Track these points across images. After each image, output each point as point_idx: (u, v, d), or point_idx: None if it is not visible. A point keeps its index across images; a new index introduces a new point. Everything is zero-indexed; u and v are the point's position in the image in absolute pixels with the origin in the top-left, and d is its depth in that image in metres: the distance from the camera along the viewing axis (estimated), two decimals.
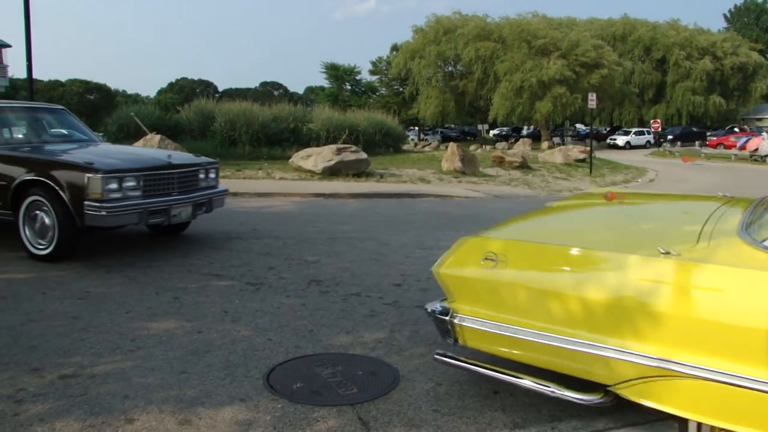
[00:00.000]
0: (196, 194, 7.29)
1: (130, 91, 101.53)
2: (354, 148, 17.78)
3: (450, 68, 52.26)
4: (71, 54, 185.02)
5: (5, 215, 6.87)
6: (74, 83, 79.73)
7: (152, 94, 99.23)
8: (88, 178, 6.28)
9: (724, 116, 57.28)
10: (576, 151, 25.27)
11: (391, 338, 4.45)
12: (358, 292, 5.55)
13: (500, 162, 20.41)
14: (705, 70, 51.54)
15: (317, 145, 20.73)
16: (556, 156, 24.33)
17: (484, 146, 43.67)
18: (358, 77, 65.96)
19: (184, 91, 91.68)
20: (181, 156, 8.27)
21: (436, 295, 5.44)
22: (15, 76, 54.97)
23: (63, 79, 79.86)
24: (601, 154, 30.77)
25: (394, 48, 59.93)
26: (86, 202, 6.27)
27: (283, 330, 4.60)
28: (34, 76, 16.18)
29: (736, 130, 51.84)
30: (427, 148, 40.44)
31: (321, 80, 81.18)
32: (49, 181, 6.44)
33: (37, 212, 6.62)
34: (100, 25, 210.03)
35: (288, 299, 5.38)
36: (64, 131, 8.60)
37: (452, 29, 48.39)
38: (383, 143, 27.17)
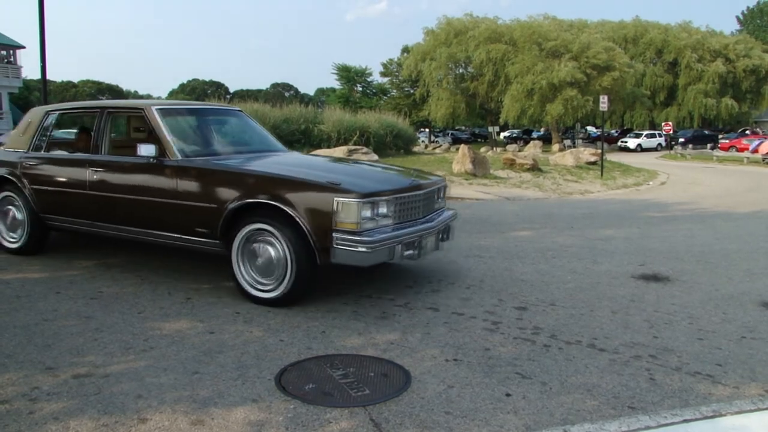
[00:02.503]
0: (437, 220, 5.79)
1: (141, 92, 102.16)
2: (365, 149, 17.81)
3: (461, 70, 52.18)
4: (83, 55, 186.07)
5: (211, 245, 5.49)
6: (86, 84, 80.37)
7: (164, 95, 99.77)
8: (339, 202, 4.82)
9: (736, 119, 56.99)
10: (587, 153, 25.15)
11: (403, 340, 4.45)
12: (370, 294, 5.55)
13: (511, 164, 20.36)
14: (717, 73, 51.27)
15: (328, 147, 20.79)
16: (567, 158, 24.25)
17: (494, 148, 43.62)
18: (369, 79, 66.09)
19: (196, 92, 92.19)
20: (416, 173, 6.59)
21: (447, 296, 5.47)
22: (28, 77, 55.36)
23: (75, 80, 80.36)
24: (613, 157, 30.66)
25: (405, 50, 60.00)
26: (334, 234, 4.85)
27: (294, 331, 4.61)
28: (47, 77, 16.30)
29: (748, 132, 51.50)
30: (437, 150, 40.41)
31: (332, 81, 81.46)
32: (281, 205, 4.98)
33: (258, 244, 5.23)
34: (112, 26, 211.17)
35: (299, 300, 5.38)
36: (249, 138, 7.26)
37: (463, 31, 48.35)
38: (394, 145, 27.20)
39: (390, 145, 26.71)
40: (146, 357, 4.09)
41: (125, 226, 5.99)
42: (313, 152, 17.71)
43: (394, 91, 64.56)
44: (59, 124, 7.02)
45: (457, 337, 4.52)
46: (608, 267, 6.93)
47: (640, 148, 48.29)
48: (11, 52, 50.38)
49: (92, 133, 6.54)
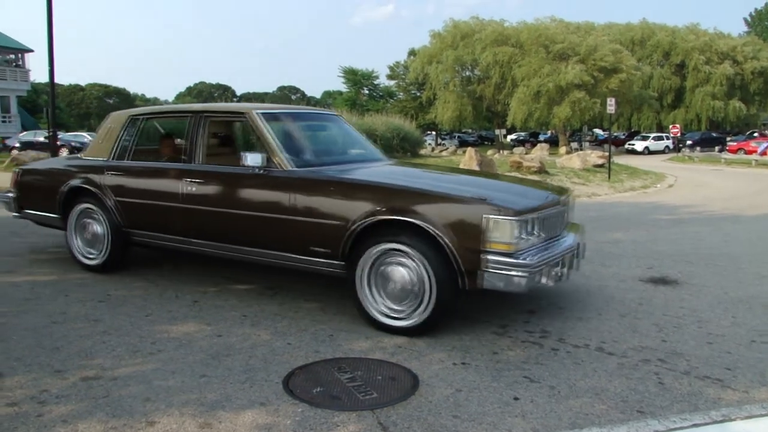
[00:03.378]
0: (571, 238, 5.17)
1: (148, 95, 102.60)
2: None
3: (467, 73, 52.17)
4: (90, 58, 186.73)
5: (330, 267, 4.86)
6: (94, 87, 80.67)
7: (171, 98, 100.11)
8: (491, 220, 4.26)
9: (744, 121, 56.84)
10: (594, 156, 25.08)
11: (411, 343, 4.44)
12: None
13: (518, 167, 20.32)
14: (725, 75, 51.14)
15: None
16: (574, 161, 24.18)
17: (501, 151, 43.57)
18: (375, 82, 66.16)
19: (203, 95, 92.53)
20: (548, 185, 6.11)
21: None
22: (36, 80, 55.62)
23: (83, 83, 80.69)
24: (620, 160, 30.58)
25: (412, 53, 59.98)
26: (485, 256, 4.30)
27: (302, 334, 4.61)
28: (55, 80, 16.37)
29: (756, 135, 51.35)
30: (444, 153, 40.42)
31: (338, 84, 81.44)
32: (421, 223, 4.40)
33: (389, 266, 4.64)
34: (118, 29, 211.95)
35: (306, 303, 5.40)
36: (351, 145, 6.60)
37: (470, 34, 48.36)
38: (401, 148, 27.22)
39: (397, 148, 26.74)
40: (154, 360, 4.09)
41: (225, 243, 5.43)
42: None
43: (401, 94, 64.58)
44: (143, 129, 6.44)
45: (465, 340, 4.51)
46: (616, 270, 6.91)
47: (647, 151, 48.16)
48: (19, 55, 50.72)
49: (184, 140, 5.95)
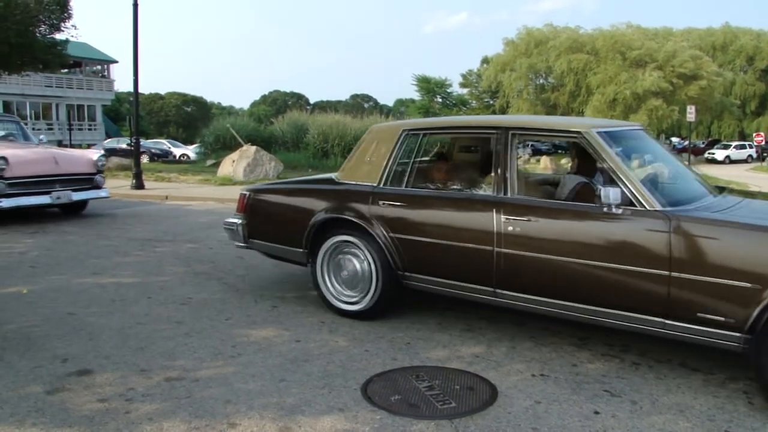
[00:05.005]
0: None
1: (224, 104, 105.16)
2: None
3: (541, 81, 51.55)
4: (168, 67, 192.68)
5: (729, 340, 3.72)
6: (173, 96, 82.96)
7: (246, 106, 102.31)
8: None
9: None
10: (565, 160, 24.44)
11: (489, 353, 4.40)
12: (454, 306, 5.51)
13: None
14: None
15: None
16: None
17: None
18: (448, 90, 66.08)
19: (277, 103, 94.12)
20: None
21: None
22: (119, 90, 57.76)
23: (162, 92, 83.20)
24: (699, 169, 29.66)
25: (485, 61, 59.67)
26: None
27: (379, 341, 4.63)
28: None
29: None
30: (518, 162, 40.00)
31: (411, 92, 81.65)
32: None
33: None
34: (195, 38, 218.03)
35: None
36: (675, 171, 5.02)
37: (543, 41, 47.79)
38: None
39: None
40: (234, 363, 4.18)
41: (555, 300, 4.30)
42: None
43: (474, 102, 64.31)
44: (420, 147, 5.22)
45: (544, 352, 4.45)
46: None
47: (728, 160, 46.55)
48: (105, 66, 52.72)
49: (482, 161, 5.12)
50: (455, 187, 5.13)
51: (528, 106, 49.56)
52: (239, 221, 5.91)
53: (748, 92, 51.78)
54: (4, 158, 9.67)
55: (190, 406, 3.53)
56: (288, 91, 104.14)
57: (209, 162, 24.07)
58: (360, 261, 5.17)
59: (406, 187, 5.04)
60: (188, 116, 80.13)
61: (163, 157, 34.26)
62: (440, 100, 66.82)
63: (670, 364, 4.25)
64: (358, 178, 5.31)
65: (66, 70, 46.64)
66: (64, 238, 8.81)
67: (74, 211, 11.30)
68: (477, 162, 5.88)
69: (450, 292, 4.81)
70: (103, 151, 13.19)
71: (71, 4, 21.86)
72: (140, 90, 17.07)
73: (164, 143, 40.42)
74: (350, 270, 5.24)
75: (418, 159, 5.21)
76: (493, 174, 4.66)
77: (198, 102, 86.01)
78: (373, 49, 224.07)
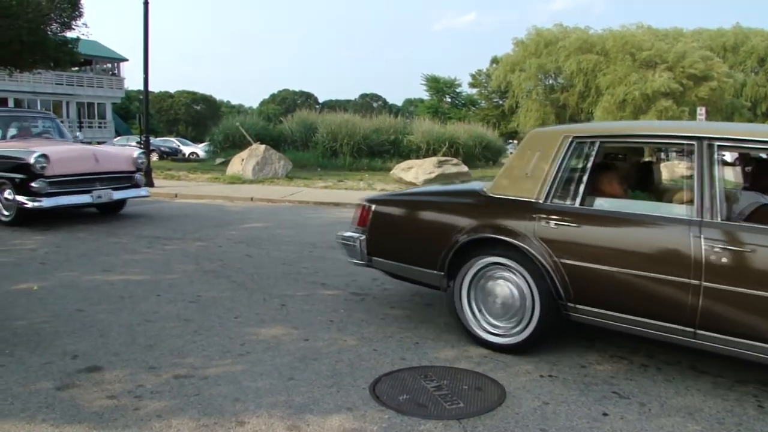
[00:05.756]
0: None
1: (234, 102, 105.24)
2: (455, 160, 17.79)
3: (550, 81, 51.39)
4: (177, 66, 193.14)
5: None
6: (182, 94, 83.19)
7: (255, 105, 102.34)
8: None
9: None
10: (682, 167, 24.30)
11: (497, 354, 4.40)
12: None
13: None
14: None
15: (417, 157, 20.89)
16: (662, 171, 23.54)
17: None
18: (458, 90, 66.03)
19: (286, 102, 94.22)
20: None
21: None
22: (129, 88, 58.01)
23: (172, 90, 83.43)
24: None
25: (494, 61, 59.56)
26: None
27: (388, 341, 4.63)
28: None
29: None
30: None
31: (420, 92, 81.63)
32: None
33: None
34: (203, 37, 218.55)
35: (392, 310, 5.42)
36: None
37: (553, 42, 47.66)
38: (483, 156, 27.15)
39: (479, 156, 26.67)
40: (243, 361, 4.19)
41: None
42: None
43: (483, 102, 64.20)
44: (590, 156, 4.35)
45: (552, 353, 4.44)
46: None
47: (738, 162, 46.27)
48: (115, 64, 52.96)
49: (695, 179, 4.02)
50: (630, 203, 4.34)
51: (537, 107, 49.47)
52: (359, 236, 5.24)
53: (759, 93, 51.42)
54: (45, 156, 9.30)
55: (198, 403, 3.54)
56: (297, 90, 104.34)
57: (218, 160, 24.16)
58: (513, 287, 4.44)
59: (574, 203, 4.26)
60: (198, 114, 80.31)
61: (173, 155, 34.39)
62: (449, 100, 66.78)
63: (679, 367, 4.24)
64: (515, 191, 4.53)
65: (77, 68, 46.88)
66: (73, 235, 8.85)
67: (112, 211, 11.00)
68: (652, 174, 5.29)
69: (632, 329, 4.01)
70: (142, 149, 12.99)
71: (82, 2, 21.99)
72: (150, 88, 17.12)
73: (174, 141, 40.54)
74: (500, 297, 4.50)
75: (587, 170, 4.33)
76: (695, 191, 3.94)
77: (207, 100, 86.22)
78: (382, 49, 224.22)
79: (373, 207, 5.22)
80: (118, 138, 40.46)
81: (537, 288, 4.27)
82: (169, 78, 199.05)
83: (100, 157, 10.21)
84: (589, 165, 4.33)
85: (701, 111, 20.49)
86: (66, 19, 21.87)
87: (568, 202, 4.28)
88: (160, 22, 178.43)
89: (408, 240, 5.01)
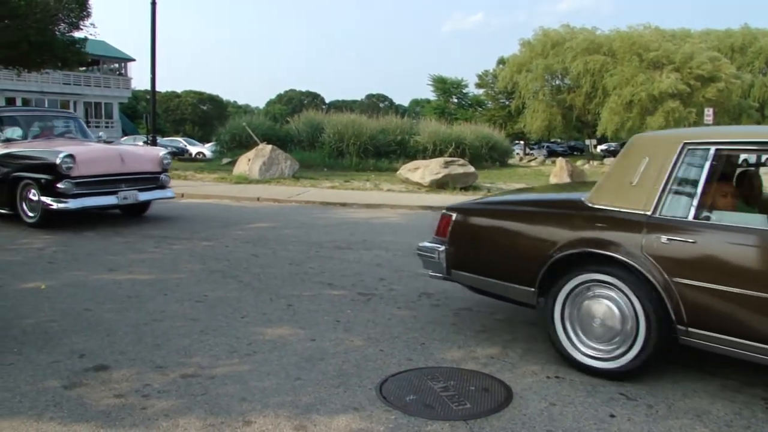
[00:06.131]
0: None
1: (240, 102, 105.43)
2: (462, 161, 17.75)
3: (557, 82, 51.31)
4: (184, 66, 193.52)
5: None
6: (189, 94, 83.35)
7: (261, 105, 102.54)
8: None
9: None
10: None
11: (504, 355, 4.39)
12: (469, 307, 5.51)
13: None
14: None
15: (423, 158, 20.88)
16: None
17: (591, 162, 42.65)
18: (464, 90, 66.01)
19: (292, 102, 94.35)
20: None
21: None
22: (136, 88, 58.19)
23: (179, 90, 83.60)
24: None
25: (501, 61, 59.48)
26: None
27: (394, 341, 4.63)
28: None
29: None
30: (533, 163, 39.99)
31: (426, 93, 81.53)
32: None
33: None
34: (210, 37, 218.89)
35: (399, 311, 5.41)
36: None
37: (560, 42, 47.59)
38: (489, 157, 27.16)
39: (485, 157, 26.67)
40: (250, 361, 4.19)
41: None
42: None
43: (490, 102, 64.11)
44: (710, 165, 3.93)
45: (558, 354, 4.42)
46: None
47: (746, 164, 46.05)
48: (122, 64, 53.16)
49: None
50: (753, 216, 3.95)
51: (544, 107, 49.41)
52: (440, 248, 4.85)
53: (767, 95, 51.24)
54: (71, 156, 9.07)
55: (205, 403, 3.54)
56: (304, 90, 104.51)
57: (225, 160, 24.19)
58: (615, 307, 4.03)
59: (687, 215, 3.86)
60: (204, 114, 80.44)
61: (179, 155, 34.43)
62: (456, 100, 66.75)
63: (687, 369, 4.22)
64: (619, 202, 4.13)
65: (84, 68, 47.07)
66: (81, 234, 8.88)
67: (136, 213, 10.77)
68: (758, 184, 4.99)
69: (757, 357, 3.61)
70: (168, 149, 12.73)
71: (90, 2, 22.06)
72: (157, 88, 17.18)
73: (180, 141, 40.63)
74: (603, 318, 4.07)
75: (700, 180, 3.93)
76: None
77: (214, 100, 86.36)
78: (390, 49, 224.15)
79: (455, 216, 4.85)
80: (125, 138, 40.55)
81: (644, 309, 3.88)
82: (176, 78, 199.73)
83: (126, 157, 10.02)
84: (704, 174, 3.92)
85: (709, 112, 20.41)
86: (74, 19, 21.97)
87: (680, 215, 3.87)
88: (167, 22, 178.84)
89: (495, 252, 4.63)
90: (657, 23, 54.06)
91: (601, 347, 4.09)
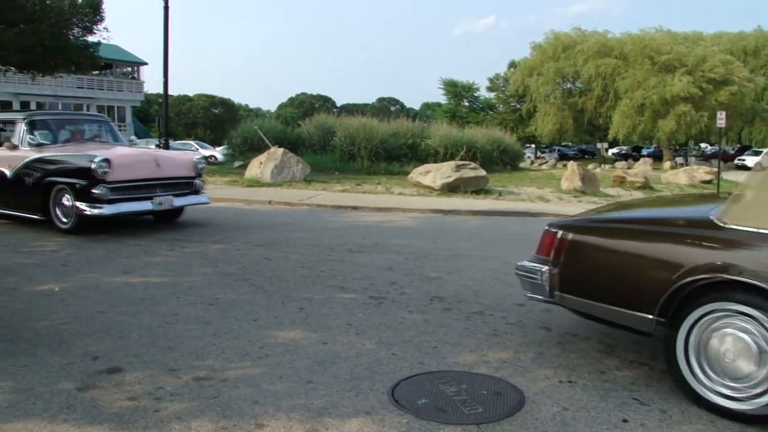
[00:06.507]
0: None
1: (252, 106, 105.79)
2: (473, 165, 17.74)
3: (568, 85, 51.28)
4: (196, 70, 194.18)
5: None
6: (201, 98, 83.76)
7: (273, 108, 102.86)
8: None
9: None
10: (702, 172, 24.24)
11: (516, 359, 4.38)
12: (481, 311, 5.51)
13: (621, 182, 19.83)
14: None
15: (434, 161, 20.88)
16: (681, 177, 23.40)
17: (603, 165, 42.50)
18: (475, 94, 66.02)
19: (304, 105, 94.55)
20: None
21: (560, 316, 5.35)
22: (148, 91, 58.48)
23: (191, 93, 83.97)
24: (729, 176, 29.24)
25: (512, 65, 59.49)
26: None
27: (406, 345, 4.62)
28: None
29: None
30: (544, 167, 39.84)
31: (437, 96, 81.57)
32: None
33: None
34: (224, 41, 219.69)
35: (411, 315, 5.41)
36: None
37: (571, 46, 47.53)
38: (500, 160, 27.13)
39: (496, 160, 26.64)
40: (262, 364, 4.20)
41: None
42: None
43: (501, 106, 64.11)
44: None
45: (571, 358, 4.42)
46: None
47: (759, 167, 45.80)
48: (135, 68, 53.46)
49: None
50: None
51: (555, 111, 49.36)
52: (544, 268, 4.41)
53: None
54: (107, 160, 8.84)
55: (218, 405, 3.55)
56: (315, 93, 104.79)
57: (237, 164, 24.25)
58: (752, 341, 3.52)
59: None
60: (216, 118, 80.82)
61: None
62: (467, 104, 66.75)
63: None
64: (762, 223, 3.59)
65: (97, 72, 47.32)
66: (94, 237, 8.92)
67: (169, 219, 10.53)
68: None
69: None
70: (202, 153, 12.57)
71: (103, 6, 22.22)
72: (169, 92, 17.25)
73: (192, 144, 40.78)
74: (735, 351, 3.57)
75: None
76: None
77: (226, 104, 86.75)
78: (401, 52, 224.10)
79: (561, 234, 4.37)
80: (138, 141, 40.75)
81: None
82: (188, 81, 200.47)
83: (161, 161, 9.79)
84: None
85: (721, 115, 20.26)
86: (87, 24, 22.14)
87: None
88: (179, 26, 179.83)
89: (608, 275, 4.17)
90: (669, 26, 53.96)
91: (737, 386, 3.57)
